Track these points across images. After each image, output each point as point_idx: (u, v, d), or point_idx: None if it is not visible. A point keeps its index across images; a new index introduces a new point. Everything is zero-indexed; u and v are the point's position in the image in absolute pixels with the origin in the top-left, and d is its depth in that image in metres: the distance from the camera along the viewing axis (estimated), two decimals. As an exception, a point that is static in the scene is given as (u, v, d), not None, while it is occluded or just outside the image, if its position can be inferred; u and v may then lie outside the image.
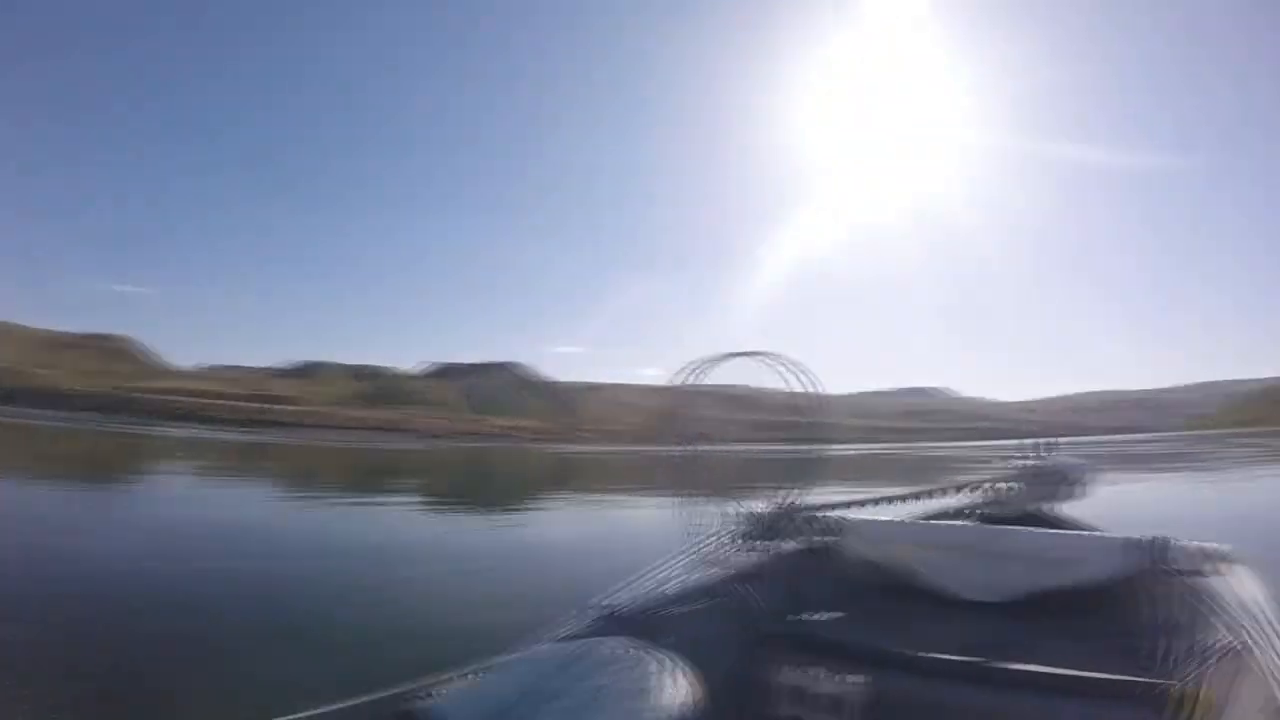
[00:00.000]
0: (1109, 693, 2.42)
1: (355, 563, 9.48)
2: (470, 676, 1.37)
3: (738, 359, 2.69)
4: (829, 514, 3.54)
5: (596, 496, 19.86)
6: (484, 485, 27.83)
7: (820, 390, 2.74)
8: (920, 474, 25.51)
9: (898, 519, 3.92)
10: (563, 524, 13.61)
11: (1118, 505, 12.45)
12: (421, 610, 7.09)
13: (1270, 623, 2.18)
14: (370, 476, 29.75)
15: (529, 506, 17.73)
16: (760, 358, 2.70)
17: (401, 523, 14.81)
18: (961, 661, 2.60)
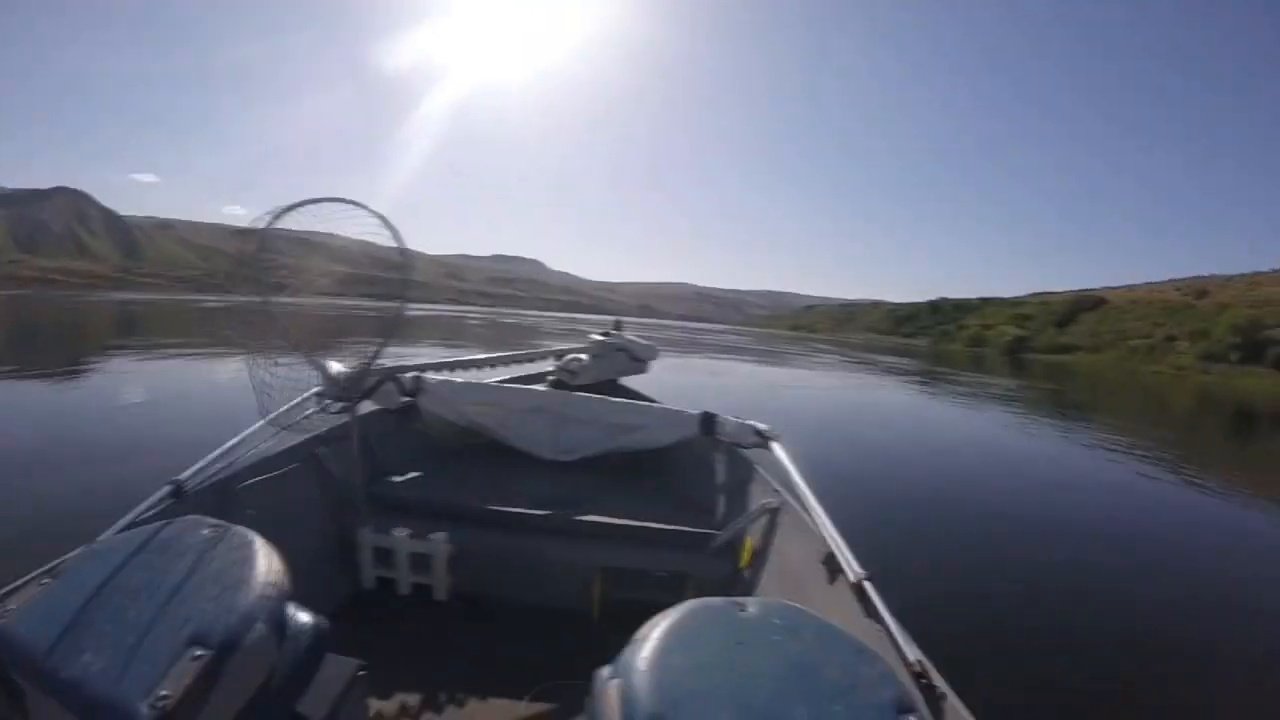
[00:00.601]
0: (668, 540, 2.70)
1: None
2: (34, 585, 1.19)
3: (321, 204, 2.33)
4: (409, 374, 3.43)
5: (159, 355, 16.27)
6: (13, 343, 21.21)
7: (405, 244, 2.47)
8: (505, 341, 26.15)
9: (477, 381, 3.87)
10: (117, 389, 10.81)
11: (683, 384, 14.44)
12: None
13: (799, 485, 2.45)
14: None
15: (73, 369, 13.42)
16: (345, 205, 2.36)
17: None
18: (536, 515, 2.76)
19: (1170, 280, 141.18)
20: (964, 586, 4.48)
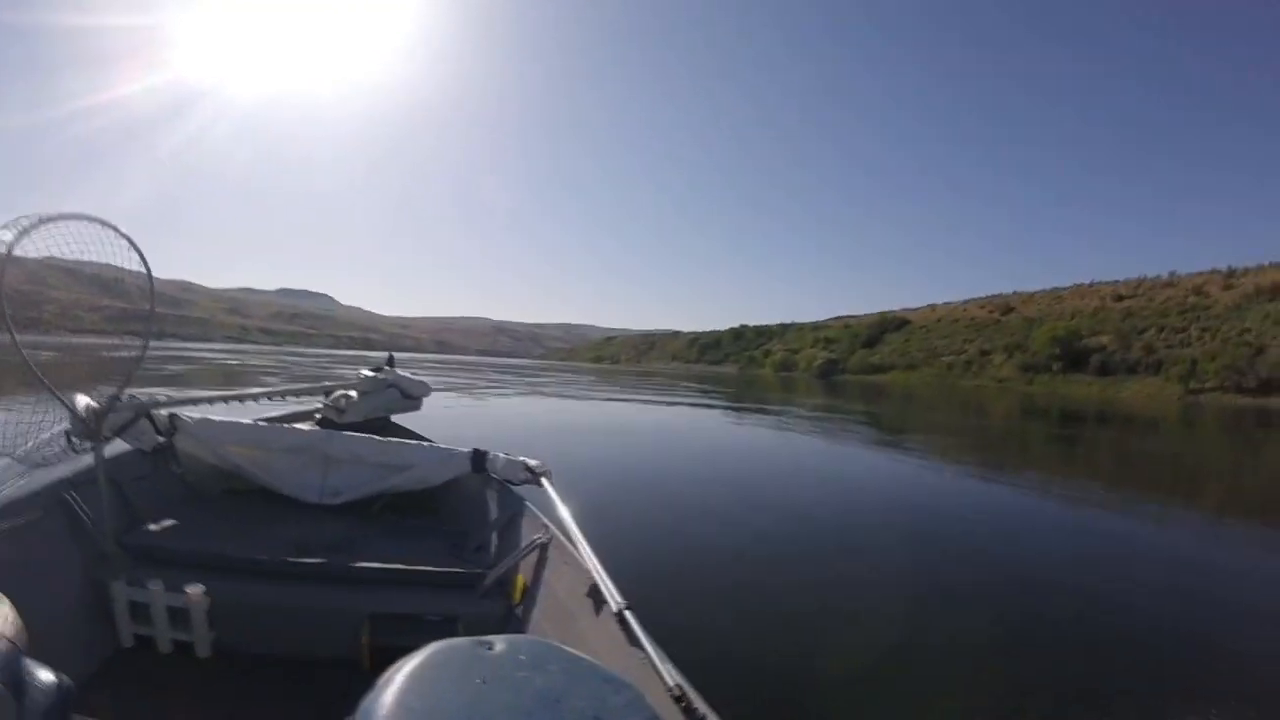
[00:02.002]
0: (438, 582, 2.63)
1: None
2: None
3: (68, 222, 2.09)
4: (164, 410, 3.18)
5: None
6: None
7: (151, 271, 2.35)
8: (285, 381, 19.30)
9: (238, 420, 3.53)
10: None
11: (460, 420, 14.98)
12: None
13: (567, 520, 2.49)
14: None
15: None
16: (92, 224, 2.15)
17: None
18: (302, 562, 2.62)
19: (970, 299, 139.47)
20: (727, 609, 4.39)
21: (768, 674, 3.44)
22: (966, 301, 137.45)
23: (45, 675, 1.09)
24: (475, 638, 1.12)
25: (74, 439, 2.46)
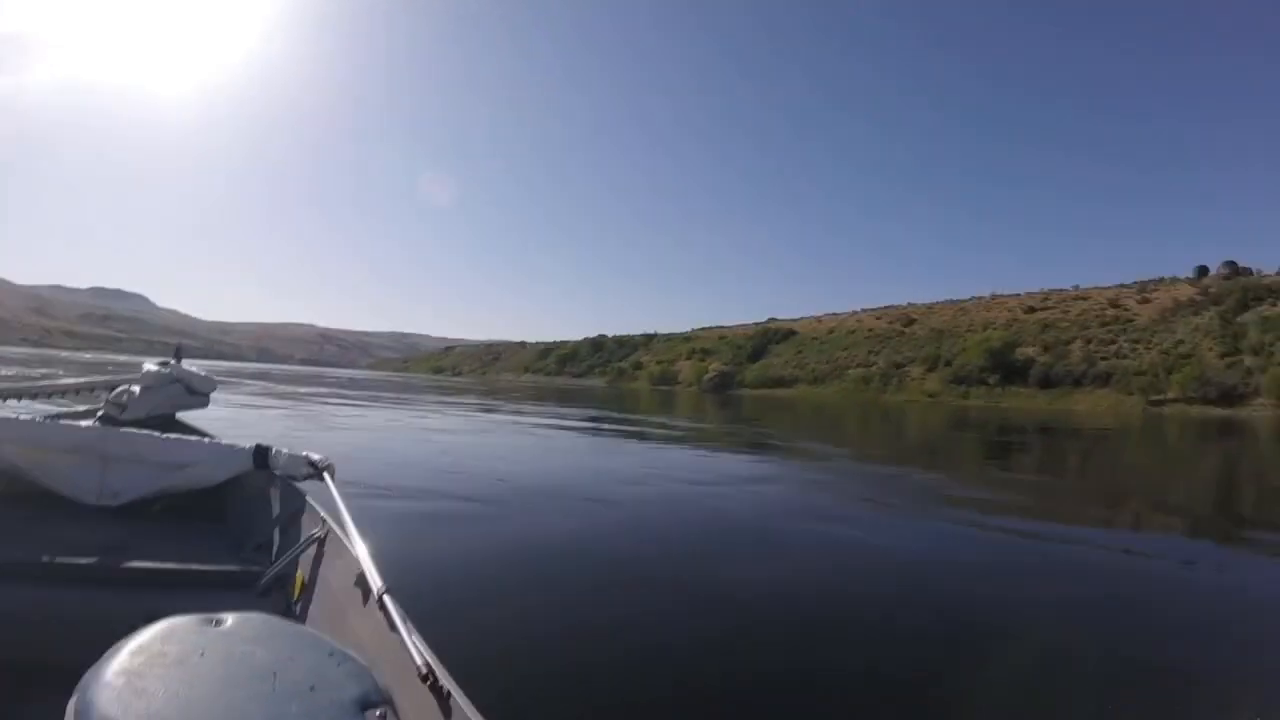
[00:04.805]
0: (215, 582, 2.52)
1: None
2: None
3: None
4: None
5: None
6: None
7: None
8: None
9: (14, 417, 3.30)
10: None
11: (254, 421, 13.55)
12: None
13: (344, 513, 2.42)
14: None
15: None
16: None
17: None
18: (77, 564, 2.46)
19: (862, 310, 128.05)
20: (494, 593, 4.19)
21: (525, 658, 3.29)
22: (859, 312, 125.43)
23: None
24: (204, 615, 1.07)
25: None
